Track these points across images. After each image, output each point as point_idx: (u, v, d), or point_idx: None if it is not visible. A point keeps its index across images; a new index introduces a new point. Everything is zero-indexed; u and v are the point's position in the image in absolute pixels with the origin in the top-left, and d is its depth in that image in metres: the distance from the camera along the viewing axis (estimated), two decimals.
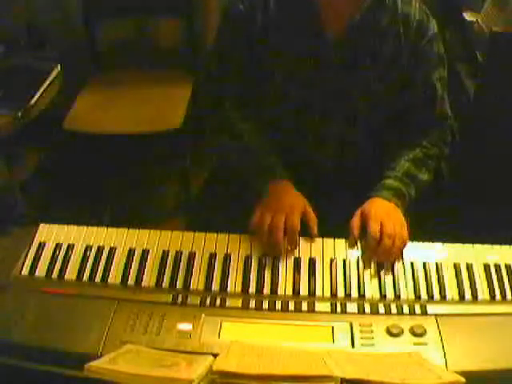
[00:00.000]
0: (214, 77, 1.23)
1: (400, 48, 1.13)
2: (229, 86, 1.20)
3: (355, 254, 1.00)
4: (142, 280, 0.95)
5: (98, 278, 0.96)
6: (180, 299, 0.92)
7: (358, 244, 1.01)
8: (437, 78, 1.18)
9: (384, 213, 1.05)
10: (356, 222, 1.04)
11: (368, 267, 0.97)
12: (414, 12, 1.13)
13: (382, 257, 0.98)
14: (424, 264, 0.97)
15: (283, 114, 1.20)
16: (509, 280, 0.96)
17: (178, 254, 0.99)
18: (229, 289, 0.94)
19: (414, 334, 0.86)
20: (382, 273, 0.96)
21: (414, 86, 1.17)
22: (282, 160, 1.16)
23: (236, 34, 1.16)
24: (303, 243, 1.01)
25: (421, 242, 1.02)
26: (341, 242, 1.01)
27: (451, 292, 0.94)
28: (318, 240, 1.01)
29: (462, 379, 0.72)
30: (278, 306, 0.91)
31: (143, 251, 0.99)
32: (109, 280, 0.96)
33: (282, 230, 0.99)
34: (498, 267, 0.97)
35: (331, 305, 0.91)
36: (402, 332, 0.86)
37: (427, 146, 1.20)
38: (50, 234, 1.02)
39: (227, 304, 0.91)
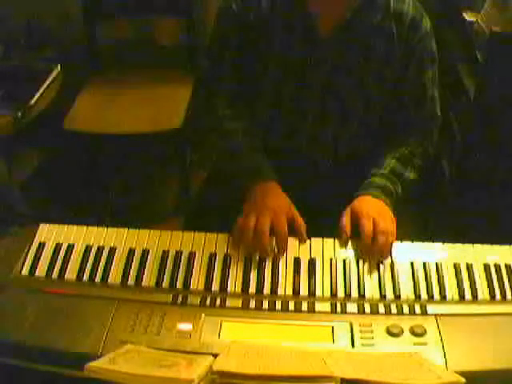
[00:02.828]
0: (207, 76, 1.23)
1: (393, 46, 1.13)
2: (221, 85, 1.20)
3: (355, 253, 0.99)
4: (141, 280, 0.95)
5: (98, 278, 0.96)
6: (180, 299, 0.92)
7: (356, 244, 1.00)
8: (428, 76, 1.17)
9: (375, 211, 1.04)
10: (347, 220, 1.04)
11: (368, 267, 0.97)
12: (407, 10, 1.12)
13: (376, 254, 0.98)
14: (424, 264, 0.97)
15: (276, 114, 1.20)
16: (509, 280, 0.96)
17: (178, 254, 0.99)
18: (229, 289, 0.94)
19: (414, 334, 0.86)
20: (382, 273, 0.96)
21: (404, 83, 1.17)
22: (275, 161, 1.15)
23: (229, 33, 1.16)
24: (303, 243, 1.01)
25: (421, 242, 1.02)
26: (341, 242, 1.01)
27: (451, 292, 0.93)
28: (318, 240, 1.01)
29: (462, 379, 0.72)
30: (278, 305, 0.91)
31: (143, 251, 0.99)
32: (109, 280, 0.95)
33: (267, 233, 0.98)
34: (497, 267, 0.97)
35: (331, 305, 0.91)
36: (402, 332, 0.86)
37: (413, 145, 1.20)
38: (50, 234, 1.02)
39: (227, 304, 0.91)
